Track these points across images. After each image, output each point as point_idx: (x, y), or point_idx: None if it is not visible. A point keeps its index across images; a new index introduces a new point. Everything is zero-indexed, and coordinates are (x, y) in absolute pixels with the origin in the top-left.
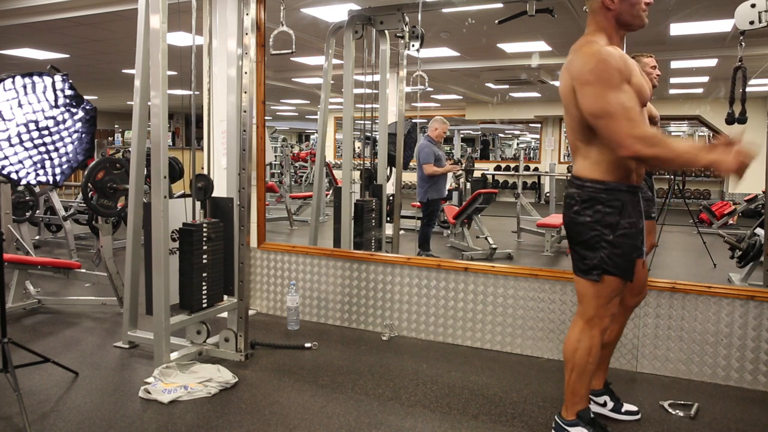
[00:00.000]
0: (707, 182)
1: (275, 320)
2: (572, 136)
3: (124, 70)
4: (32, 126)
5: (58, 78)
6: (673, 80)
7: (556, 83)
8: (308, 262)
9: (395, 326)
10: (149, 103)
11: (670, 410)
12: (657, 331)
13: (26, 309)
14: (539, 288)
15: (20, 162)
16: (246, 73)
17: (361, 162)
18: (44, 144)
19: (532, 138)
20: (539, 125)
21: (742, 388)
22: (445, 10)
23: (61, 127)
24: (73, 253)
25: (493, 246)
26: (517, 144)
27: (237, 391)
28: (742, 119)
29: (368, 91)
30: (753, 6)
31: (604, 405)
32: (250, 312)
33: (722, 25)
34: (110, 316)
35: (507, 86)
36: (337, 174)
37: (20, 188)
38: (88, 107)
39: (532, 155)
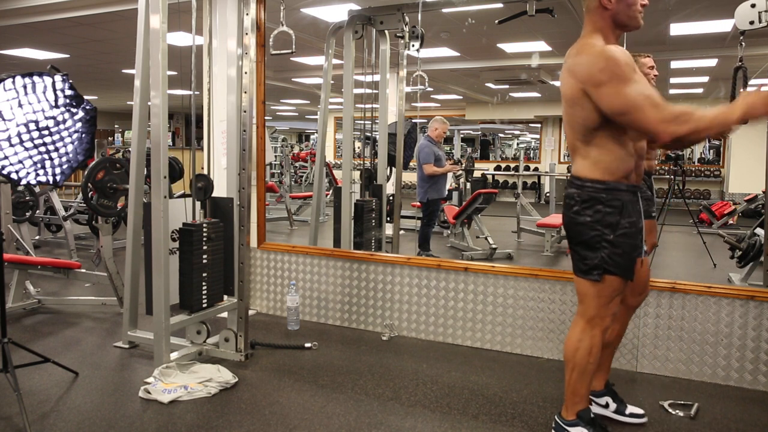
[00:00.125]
0: (707, 182)
1: (275, 320)
2: (571, 136)
3: (124, 70)
4: (32, 126)
5: (58, 78)
6: (673, 80)
7: (556, 83)
8: (308, 262)
9: (395, 326)
10: (149, 103)
11: (670, 410)
12: (657, 331)
13: (26, 309)
14: (539, 288)
15: (20, 162)
16: (246, 73)
17: (361, 162)
18: (44, 144)
19: (532, 138)
20: (539, 125)
21: (742, 388)
22: (445, 10)
23: (61, 127)
24: (73, 253)
25: (493, 246)
26: (517, 144)
27: (237, 391)
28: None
29: (368, 91)
30: (753, 6)
31: (606, 406)
32: (250, 312)
33: (722, 25)
34: (110, 316)
35: (507, 86)
36: (337, 174)
37: (20, 188)
38: (88, 107)
39: (532, 155)
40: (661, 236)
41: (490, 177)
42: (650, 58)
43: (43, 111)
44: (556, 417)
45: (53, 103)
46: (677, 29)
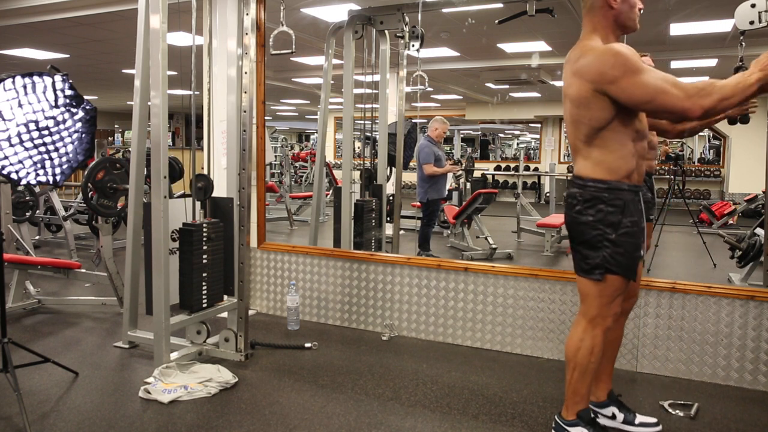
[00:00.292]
0: (707, 182)
1: (275, 320)
2: (573, 136)
3: (124, 70)
4: (32, 126)
5: (58, 78)
6: None
7: (556, 83)
8: (308, 262)
9: (395, 326)
10: (149, 103)
11: (670, 410)
12: (657, 331)
13: (26, 309)
14: (539, 288)
15: (20, 162)
16: (246, 73)
17: (361, 162)
18: (44, 144)
19: (532, 138)
20: (539, 125)
21: (742, 388)
22: (445, 10)
23: (61, 127)
24: (73, 253)
25: (493, 246)
26: (517, 144)
27: (237, 391)
28: (745, 119)
29: (368, 91)
30: (753, 6)
31: (613, 417)
32: (250, 312)
33: (722, 25)
34: (110, 316)
35: (507, 86)
36: (337, 174)
37: (20, 188)
38: (88, 107)
39: (531, 155)
40: (661, 236)
41: (490, 177)
42: (648, 56)
43: (43, 111)
44: (556, 417)
45: (53, 103)
46: (677, 29)
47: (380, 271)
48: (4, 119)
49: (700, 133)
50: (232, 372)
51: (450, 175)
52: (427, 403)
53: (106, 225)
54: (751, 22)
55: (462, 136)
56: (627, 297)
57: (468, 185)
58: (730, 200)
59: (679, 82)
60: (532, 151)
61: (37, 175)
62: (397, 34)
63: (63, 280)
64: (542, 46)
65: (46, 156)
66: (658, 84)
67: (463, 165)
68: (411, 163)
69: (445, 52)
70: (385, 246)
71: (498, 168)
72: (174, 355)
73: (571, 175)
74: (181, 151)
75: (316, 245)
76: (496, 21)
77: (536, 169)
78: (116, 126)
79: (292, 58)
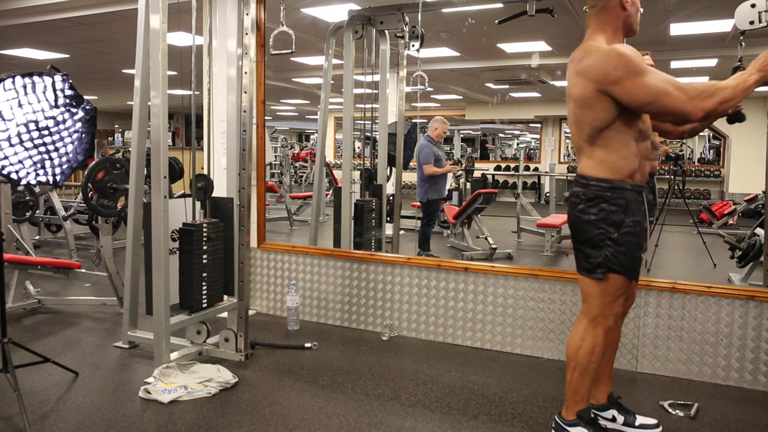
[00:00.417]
0: (707, 182)
1: (275, 320)
2: (577, 136)
3: (124, 70)
4: (32, 126)
5: (58, 78)
6: None
7: (556, 83)
8: (308, 262)
9: (395, 326)
10: (149, 103)
11: (670, 410)
12: (657, 331)
13: (26, 309)
14: (539, 288)
15: (20, 162)
16: (246, 73)
17: (361, 162)
18: (44, 144)
19: (532, 138)
20: (539, 125)
21: (742, 388)
22: (445, 10)
23: (61, 127)
24: (73, 253)
25: (493, 246)
26: (517, 144)
27: (237, 391)
28: (741, 117)
29: (368, 91)
30: (753, 6)
31: (613, 420)
32: (250, 312)
33: (722, 25)
34: (110, 316)
35: (507, 86)
36: (337, 174)
37: (20, 188)
38: (88, 107)
39: (532, 155)
40: (661, 236)
41: (490, 177)
42: (649, 55)
43: (43, 111)
44: (556, 417)
45: (53, 103)
46: (677, 29)
47: (380, 271)
48: (4, 119)
49: (701, 133)
50: (232, 372)
51: (450, 175)
52: (427, 403)
53: (106, 225)
54: (751, 22)
55: (462, 136)
56: (625, 297)
57: (468, 185)
58: (730, 200)
59: (681, 85)
60: (532, 151)
61: (37, 175)
62: (397, 34)
63: (63, 280)
64: (542, 46)
65: (46, 156)
66: (660, 86)
67: (463, 165)
68: (411, 163)
69: (445, 52)
70: (385, 246)
71: (498, 168)
72: (174, 355)
73: (570, 175)
74: (181, 151)
75: (316, 245)
76: (496, 21)
77: (536, 169)
78: (116, 126)
79: (292, 58)
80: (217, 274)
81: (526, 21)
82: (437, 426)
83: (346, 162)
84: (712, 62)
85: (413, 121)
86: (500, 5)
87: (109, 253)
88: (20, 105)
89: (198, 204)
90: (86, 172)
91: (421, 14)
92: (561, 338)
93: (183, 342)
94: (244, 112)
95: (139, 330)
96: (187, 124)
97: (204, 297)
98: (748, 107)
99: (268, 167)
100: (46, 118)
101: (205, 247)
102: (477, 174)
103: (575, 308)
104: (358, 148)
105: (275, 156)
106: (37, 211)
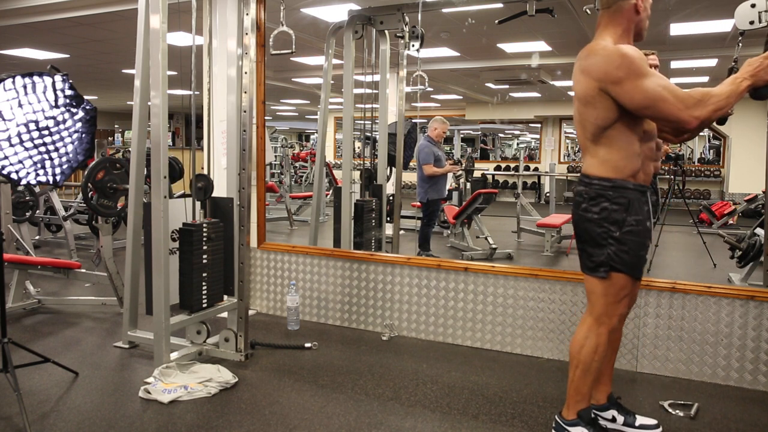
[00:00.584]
0: (707, 182)
1: (275, 320)
2: (581, 135)
3: (124, 70)
4: (32, 126)
5: (58, 78)
6: (673, 80)
7: (556, 83)
8: (308, 262)
9: (395, 326)
10: (149, 103)
11: (670, 410)
12: (657, 331)
13: (26, 309)
14: (539, 288)
15: (20, 162)
16: (246, 73)
17: (361, 162)
18: (44, 144)
19: (532, 138)
20: (539, 125)
21: (742, 388)
22: (445, 10)
23: (61, 127)
24: (73, 253)
25: (493, 246)
26: (517, 144)
27: (237, 391)
28: (724, 118)
29: (368, 91)
30: (753, 6)
31: (613, 420)
32: (250, 312)
33: (722, 25)
34: (110, 316)
35: (507, 86)
36: (337, 174)
37: (20, 188)
38: (88, 107)
39: (532, 155)
40: (661, 236)
41: (490, 177)
42: (654, 55)
43: (43, 111)
44: (556, 417)
45: (53, 103)
46: (677, 29)
47: (380, 271)
48: (4, 119)
49: (701, 134)
50: (232, 372)
51: (450, 175)
52: (427, 403)
53: (106, 225)
54: (751, 22)
55: (462, 136)
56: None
57: (468, 185)
58: (730, 200)
59: (679, 93)
60: (531, 151)
61: (37, 175)
62: (397, 34)
63: (63, 280)
64: (542, 46)
65: (46, 156)
66: (658, 91)
67: (463, 165)
68: (411, 163)
69: (445, 52)
70: (385, 246)
71: (498, 168)
72: (174, 355)
73: (570, 175)
74: (181, 151)
75: (316, 245)
76: (496, 21)
77: (536, 169)
78: (116, 126)
79: (292, 58)
80: (217, 274)
81: (526, 21)
82: (437, 426)
83: (346, 162)
84: (712, 62)
85: (413, 121)
86: (500, 5)
87: (109, 253)
88: (20, 105)
89: (198, 204)
90: (86, 172)
91: (421, 14)
92: (561, 338)
93: (183, 342)
94: (244, 112)
95: (139, 330)
96: (187, 124)
97: (204, 297)
98: (748, 107)
99: (268, 167)
100: (46, 118)
101: (205, 247)
102: (477, 174)
103: (575, 308)
104: (358, 148)
105: (275, 156)
106: (37, 211)
